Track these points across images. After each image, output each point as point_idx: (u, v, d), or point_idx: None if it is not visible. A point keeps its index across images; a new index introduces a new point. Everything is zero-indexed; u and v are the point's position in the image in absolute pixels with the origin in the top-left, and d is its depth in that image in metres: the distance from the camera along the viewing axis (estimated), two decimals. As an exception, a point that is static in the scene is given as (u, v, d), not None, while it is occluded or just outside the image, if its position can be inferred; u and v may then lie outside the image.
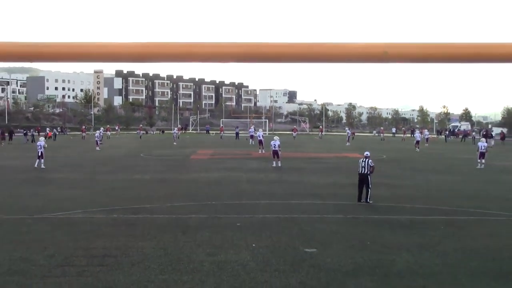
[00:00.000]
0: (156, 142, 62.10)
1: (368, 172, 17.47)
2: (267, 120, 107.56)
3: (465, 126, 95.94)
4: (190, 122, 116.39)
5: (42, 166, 28.94)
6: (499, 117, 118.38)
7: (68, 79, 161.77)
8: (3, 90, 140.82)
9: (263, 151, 39.65)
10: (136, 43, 2.89)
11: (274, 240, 12.33)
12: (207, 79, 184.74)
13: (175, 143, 55.25)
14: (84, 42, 2.91)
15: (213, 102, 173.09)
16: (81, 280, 9.19)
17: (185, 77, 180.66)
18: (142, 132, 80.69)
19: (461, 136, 76.68)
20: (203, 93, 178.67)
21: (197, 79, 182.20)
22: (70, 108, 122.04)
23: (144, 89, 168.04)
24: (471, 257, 11.08)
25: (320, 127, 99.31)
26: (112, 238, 12.39)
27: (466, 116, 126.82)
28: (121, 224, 14.13)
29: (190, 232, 13.05)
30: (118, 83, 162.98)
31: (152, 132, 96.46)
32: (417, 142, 49.50)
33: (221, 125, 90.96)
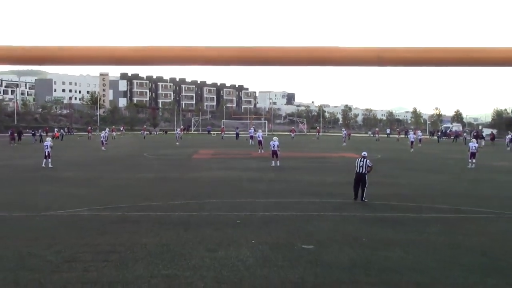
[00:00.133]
0: (159, 142, 62.10)
1: (365, 172, 17.48)
2: (267, 121, 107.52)
3: (456, 127, 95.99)
4: (192, 123, 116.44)
5: (50, 165, 28.95)
6: (489, 119, 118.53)
7: (74, 81, 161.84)
8: (12, 92, 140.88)
9: (263, 151, 39.67)
10: (140, 47, 2.89)
11: (273, 237, 12.33)
12: (209, 82, 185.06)
13: (177, 143, 55.25)
14: (90, 46, 2.90)
15: (214, 104, 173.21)
16: (87, 275, 9.19)
17: (188, 79, 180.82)
18: (146, 132, 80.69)
19: (452, 137, 76.73)
20: (205, 95, 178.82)
21: (199, 82, 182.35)
22: (76, 109, 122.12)
23: (148, 91, 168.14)
24: (463, 253, 11.09)
25: (318, 128, 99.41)
26: (117, 235, 12.39)
27: (457, 117, 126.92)
28: (125, 221, 14.13)
29: (191, 229, 13.06)
30: (123, 86, 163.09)
31: (155, 133, 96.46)
32: (412, 142, 49.54)
33: (222, 126, 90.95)
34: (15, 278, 9.07)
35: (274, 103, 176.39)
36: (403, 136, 76.89)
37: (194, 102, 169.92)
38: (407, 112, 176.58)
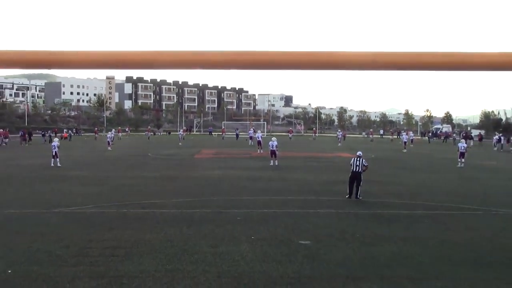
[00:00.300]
0: (163, 142, 62.09)
1: (361, 171, 17.48)
2: (265, 123, 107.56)
3: (446, 128, 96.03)
4: (194, 124, 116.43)
5: (58, 164, 28.94)
6: (477, 120, 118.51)
7: (82, 84, 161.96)
8: (23, 95, 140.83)
9: (262, 151, 39.67)
10: (145, 51, 2.89)
11: (272, 233, 12.32)
12: (210, 85, 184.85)
13: (180, 144, 55.24)
14: (97, 50, 2.90)
15: (216, 106, 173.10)
16: (94, 269, 9.19)
17: (190, 83, 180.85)
18: (150, 133, 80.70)
19: (443, 138, 76.78)
20: (206, 98, 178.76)
21: (200, 85, 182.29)
22: (84, 111, 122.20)
23: (152, 94, 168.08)
24: (452, 248, 11.09)
25: (314, 129, 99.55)
26: (122, 231, 12.38)
27: (447, 119, 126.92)
28: (130, 218, 14.13)
29: (194, 226, 13.05)
30: (128, 88, 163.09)
31: (159, 134, 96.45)
32: (405, 143, 49.54)
33: (223, 127, 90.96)
34: (25, 272, 9.07)
35: (273, 105, 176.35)
36: (396, 136, 76.88)
37: (196, 104, 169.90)
38: (399, 113, 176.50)
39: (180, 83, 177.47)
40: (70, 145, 50.72)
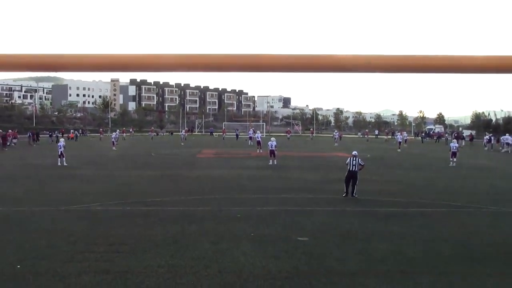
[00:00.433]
0: (166, 142, 62.09)
1: (357, 170, 17.49)
2: (264, 123, 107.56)
3: (439, 128, 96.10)
4: (196, 125, 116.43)
5: (65, 163, 28.94)
6: (468, 121, 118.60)
7: (88, 87, 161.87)
8: (31, 97, 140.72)
9: (261, 151, 39.64)
10: (148, 55, 2.89)
11: (271, 230, 12.33)
12: (211, 87, 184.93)
13: (182, 144, 55.24)
14: (102, 54, 2.91)
15: (216, 107, 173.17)
16: (100, 265, 9.19)
17: (192, 85, 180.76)
18: (153, 133, 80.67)
19: (435, 138, 76.79)
20: (208, 99, 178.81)
21: (202, 87, 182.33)
22: (90, 112, 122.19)
23: (155, 95, 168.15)
24: (444, 244, 11.10)
25: (311, 129, 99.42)
26: (127, 228, 12.38)
27: (440, 119, 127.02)
28: (134, 216, 14.12)
29: (195, 223, 13.05)
30: (132, 91, 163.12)
31: (162, 134, 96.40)
32: (399, 143, 49.52)
33: (223, 127, 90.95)
34: (33, 267, 9.07)
35: (272, 106, 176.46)
36: (391, 137, 76.90)
37: (197, 105, 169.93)
38: (393, 114, 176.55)
39: (182, 85, 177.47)
40: (76, 145, 50.71)
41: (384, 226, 12.91)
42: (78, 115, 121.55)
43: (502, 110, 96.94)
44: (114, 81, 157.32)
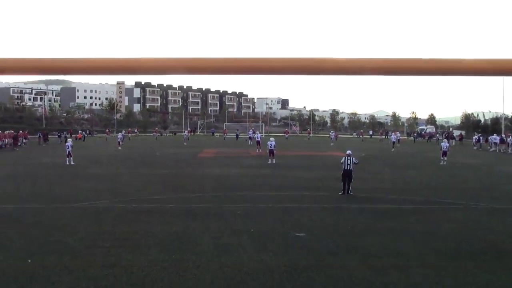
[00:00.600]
0: (169, 142, 62.05)
1: (352, 169, 17.48)
2: (264, 124, 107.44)
3: (430, 129, 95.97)
4: (198, 126, 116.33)
5: (72, 162, 28.93)
6: (458, 121, 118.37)
7: (95, 89, 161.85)
8: (41, 99, 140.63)
9: (260, 150, 39.59)
10: (153, 59, 2.89)
11: (270, 226, 12.33)
12: (213, 89, 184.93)
13: (185, 144, 55.20)
14: (109, 58, 2.91)
15: (218, 108, 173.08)
16: (106, 260, 9.19)
17: (194, 87, 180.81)
18: (157, 134, 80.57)
19: (427, 138, 76.68)
20: (209, 101, 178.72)
21: (204, 89, 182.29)
22: (96, 114, 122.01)
23: (159, 97, 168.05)
24: (435, 239, 11.10)
25: (308, 129, 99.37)
26: (132, 224, 12.38)
27: (431, 120, 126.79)
28: (139, 212, 14.12)
29: (198, 219, 13.05)
30: (137, 93, 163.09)
31: (165, 134, 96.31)
32: (393, 143, 49.45)
33: (224, 128, 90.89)
34: (43, 261, 9.07)
35: (270, 108, 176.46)
36: (384, 137, 76.87)
37: (199, 107, 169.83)
38: (387, 115, 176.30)
39: (184, 87, 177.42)
40: (84, 145, 50.68)
41: (378, 222, 12.91)
42: (86, 116, 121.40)
43: (490, 111, 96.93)
44: (120, 84, 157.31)
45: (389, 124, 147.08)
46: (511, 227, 12.77)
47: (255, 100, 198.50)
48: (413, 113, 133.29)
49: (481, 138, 54.38)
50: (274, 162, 29.95)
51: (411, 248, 10.34)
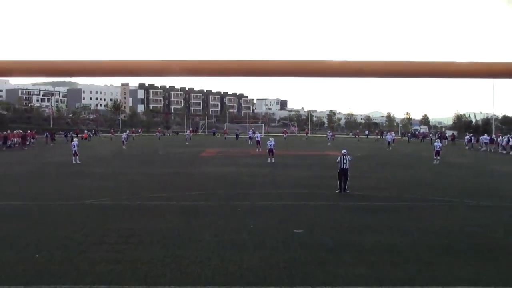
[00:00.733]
0: (172, 142, 62.04)
1: (348, 167, 17.46)
2: (263, 124, 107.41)
3: (424, 129, 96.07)
4: (200, 126, 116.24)
5: (78, 161, 28.93)
6: (451, 122, 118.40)
7: (100, 90, 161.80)
8: (48, 100, 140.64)
9: (260, 150, 39.59)
10: (156, 61, 2.89)
11: (269, 223, 12.32)
12: (214, 91, 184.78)
13: (187, 143, 55.19)
14: (113, 60, 2.90)
15: (219, 109, 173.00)
16: (111, 255, 9.18)
17: (196, 89, 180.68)
18: (160, 134, 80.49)
19: (420, 138, 76.70)
20: (210, 102, 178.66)
21: (205, 91, 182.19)
22: (102, 114, 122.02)
23: (162, 99, 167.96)
24: (428, 236, 11.10)
25: (306, 130, 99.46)
26: (136, 221, 12.38)
27: (425, 121, 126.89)
28: (143, 210, 14.12)
29: (199, 217, 13.05)
30: (140, 94, 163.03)
31: (168, 134, 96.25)
32: (388, 142, 49.44)
33: (225, 128, 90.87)
34: (51, 256, 9.07)
35: (270, 108, 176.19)
36: (379, 136, 76.86)
37: (201, 108, 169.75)
38: (382, 116, 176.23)
39: (187, 89, 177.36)
40: (90, 145, 50.66)
41: (374, 219, 12.91)
42: (91, 117, 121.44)
43: (481, 112, 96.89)
44: (124, 85, 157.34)
45: (384, 124, 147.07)
46: (501, 224, 12.77)
47: (255, 101, 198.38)
48: (407, 114, 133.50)
49: (472, 138, 54.41)
50: (273, 161, 29.93)
51: (405, 244, 10.33)
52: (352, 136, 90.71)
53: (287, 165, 28.62)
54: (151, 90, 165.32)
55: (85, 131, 72.71)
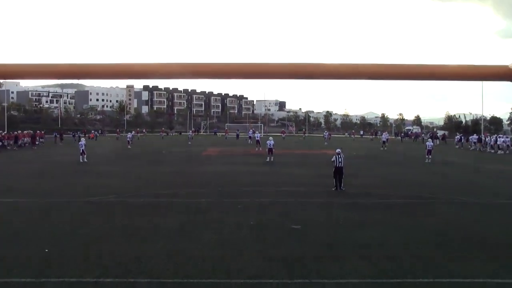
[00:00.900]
0: (175, 141, 62.01)
1: (343, 166, 17.45)
2: (262, 125, 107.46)
3: (416, 129, 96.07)
4: (202, 126, 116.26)
5: (85, 160, 28.91)
6: (442, 122, 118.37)
7: (106, 92, 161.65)
8: (57, 101, 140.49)
9: (260, 149, 39.57)
10: (160, 64, 2.90)
11: (268, 219, 12.32)
12: (215, 92, 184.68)
13: (189, 143, 55.18)
14: (119, 63, 2.91)
15: (220, 110, 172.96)
16: (117, 249, 9.19)
17: (198, 90, 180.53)
18: (163, 134, 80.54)
19: (413, 137, 76.69)
20: (212, 103, 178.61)
21: (207, 92, 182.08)
22: (108, 115, 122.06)
23: (165, 100, 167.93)
24: (421, 231, 11.10)
25: (304, 130, 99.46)
26: (140, 217, 12.37)
27: (417, 121, 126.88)
28: (147, 206, 14.11)
29: (201, 213, 13.04)
30: (145, 96, 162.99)
31: (171, 134, 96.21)
32: (383, 142, 49.41)
33: (226, 128, 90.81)
34: (59, 250, 9.06)
35: (269, 109, 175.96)
36: (374, 136, 76.82)
37: (203, 109, 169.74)
38: (376, 117, 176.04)
39: (189, 91, 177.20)
40: (96, 144, 50.63)
41: (369, 216, 12.91)
42: (98, 117, 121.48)
43: (470, 113, 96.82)
44: (129, 87, 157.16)
45: (378, 125, 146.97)
46: (490, 219, 12.77)
47: (255, 102, 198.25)
48: (400, 114, 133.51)
49: (462, 137, 54.45)
50: (272, 160, 29.91)
51: (399, 239, 10.33)
52: (348, 136, 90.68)
53: (285, 164, 28.60)
54: (155, 92, 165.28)
55: (92, 131, 72.83)
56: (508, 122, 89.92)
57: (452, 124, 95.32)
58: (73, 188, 17.83)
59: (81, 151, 29.18)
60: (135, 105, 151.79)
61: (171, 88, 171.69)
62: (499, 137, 47.85)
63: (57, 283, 7.40)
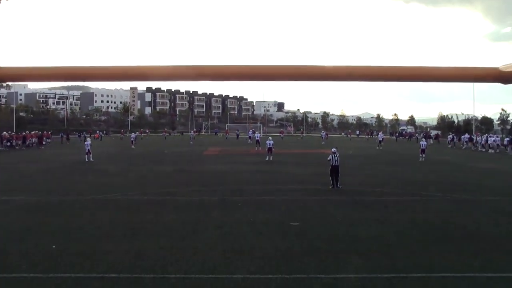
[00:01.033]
0: (177, 141, 61.98)
1: (339, 164, 17.43)
2: (262, 125, 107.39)
3: (410, 129, 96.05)
4: (203, 126, 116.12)
5: (91, 159, 28.91)
6: (435, 122, 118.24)
7: (111, 94, 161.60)
8: (63, 103, 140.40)
9: (260, 149, 39.57)
10: (162, 66, 2.91)
11: (267, 216, 12.32)
12: (216, 94, 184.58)
13: (191, 143, 55.17)
14: (123, 65, 2.91)
15: (220, 111, 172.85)
16: (122, 245, 9.19)
17: (199, 92, 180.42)
18: (166, 134, 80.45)
19: (407, 137, 76.68)
20: (213, 104, 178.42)
21: (208, 94, 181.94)
22: (112, 116, 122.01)
23: (168, 101, 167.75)
24: (416, 228, 11.11)
25: (302, 130, 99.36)
26: (144, 214, 12.38)
27: (411, 121, 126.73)
28: (150, 204, 14.11)
29: (203, 210, 13.05)
30: (148, 97, 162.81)
31: (174, 134, 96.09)
32: (379, 141, 49.36)
33: (226, 128, 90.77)
34: (65, 247, 9.07)
35: (268, 110, 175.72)
36: (370, 136, 76.81)
37: (204, 110, 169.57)
38: (372, 117, 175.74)
39: (191, 92, 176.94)
40: (101, 144, 50.62)
41: (364, 213, 12.91)
42: (103, 118, 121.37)
43: (462, 114, 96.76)
44: (133, 89, 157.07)
45: (373, 125, 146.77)
46: (481, 216, 12.77)
47: (254, 103, 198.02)
48: (395, 115, 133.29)
49: (454, 137, 54.43)
50: (271, 158, 29.92)
51: (394, 235, 10.34)
52: (345, 135, 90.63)
53: (284, 163, 28.61)
54: (158, 94, 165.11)
55: (97, 132, 72.78)
56: (498, 122, 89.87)
57: (445, 124, 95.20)
58: (79, 187, 17.82)
59: (86, 151, 29.18)
60: (139, 106, 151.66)
61: (173, 90, 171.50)
62: (490, 136, 47.83)
63: (64, 278, 7.41)
